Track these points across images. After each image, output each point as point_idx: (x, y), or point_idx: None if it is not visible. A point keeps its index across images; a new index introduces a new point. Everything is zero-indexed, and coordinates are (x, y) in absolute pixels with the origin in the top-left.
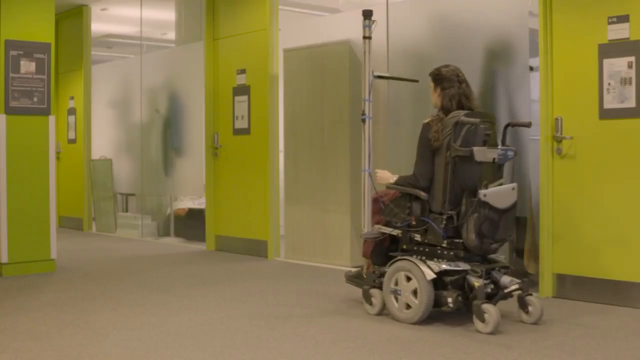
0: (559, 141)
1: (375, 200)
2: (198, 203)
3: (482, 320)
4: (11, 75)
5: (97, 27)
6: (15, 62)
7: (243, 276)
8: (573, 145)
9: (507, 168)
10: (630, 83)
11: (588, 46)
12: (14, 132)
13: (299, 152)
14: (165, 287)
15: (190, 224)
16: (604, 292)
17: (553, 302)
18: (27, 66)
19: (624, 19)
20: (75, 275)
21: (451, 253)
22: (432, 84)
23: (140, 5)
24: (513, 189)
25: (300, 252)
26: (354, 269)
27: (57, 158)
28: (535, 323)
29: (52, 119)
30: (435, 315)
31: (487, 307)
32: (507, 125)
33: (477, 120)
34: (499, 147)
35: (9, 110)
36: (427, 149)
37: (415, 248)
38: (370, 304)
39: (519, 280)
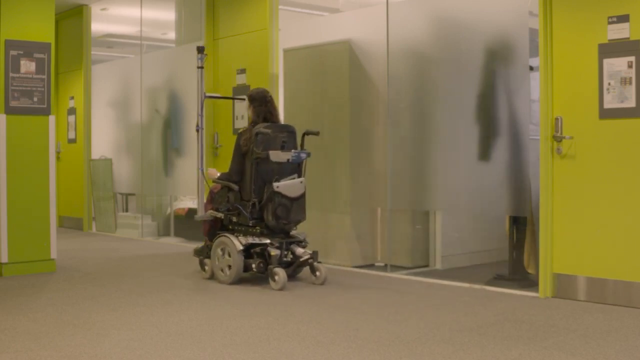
0: (559, 141)
1: (211, 192)
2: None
3: (274, 280)
4: (11, 75)
5: (97, 27)
6: (15, 62)
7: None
8: (573, 145)
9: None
10: (630, 83)
11: (588, 46)
12: (14, 132)
13: None
14: (165, 287)
15: (190, 224)
16: (604, 292)
17: (553, 302)
18: (27, 66)
19: (624, 18)
20: (75, 275)
21: (258, 230)
22: (247, 103)
23: (140, 5)
24: (301, 182)
25: None
26: (200, 245)
27: (57, 158)
28: (322, 284)
29: (52, 118)
30: (249, 278)
31: (277, 270)
32: (303, 134)
33: (269, 131)
34: (293, 150)
35: (9, 110)
36: (239, 152)
37: (235, 227)
38: (204, 270)
39: (310, 252)
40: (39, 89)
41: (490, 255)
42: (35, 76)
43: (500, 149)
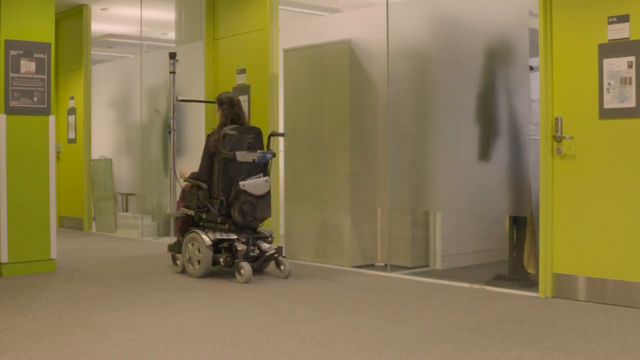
0: (559, 141)
1: (183, 190)
2: None
3: (240, 273)
4: (11, 75)
5: (97, 27)
6: (15, 62)
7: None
8: (573, 145)
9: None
10: (630, 83)
11: (588, 46)
12: (14, 132)
13: (299, 152)
14: (165, 287)
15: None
16: (604, 292)
17: (553, 302)
18: (27, 66)
19: (624, 18)
20: (75, 275)
21: (226, 227)
22: (217, 106)
23: (140, 5)
24: (266, 180)
25: (300, 252)
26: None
27: (57, 158)
28: (286, 277)
29: (52, 118)
30: (217, 272)
31: (243, 264)
32: (269, 136)
33: (235, 132)
34: (259, 151)
35: (9, 110)
36: (208, 153)
37: (205, 224)
38: (176, 264)
39: (275, 247)
40: (39, 89)
41: (490, 255)
42: (35, 76)
43: (500, 149)
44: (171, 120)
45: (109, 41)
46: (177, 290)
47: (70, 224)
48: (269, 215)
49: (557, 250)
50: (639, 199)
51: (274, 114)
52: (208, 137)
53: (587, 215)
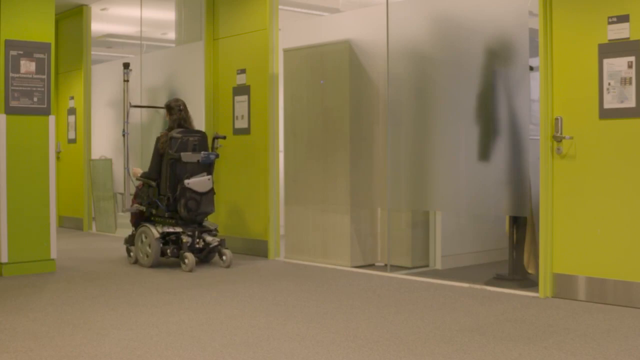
0: (559, 141)
1: (136, 188)
2: None
3: (184, 263)
4: (11, 75)
5: (97, 27)
6: (15, 62)
7: (243, 276)
8: (573, 145)
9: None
10: (630, 83)
11: (588, 46)
12: (14, 132)
13: (299, 152)
14: (165, 287)
15: None
16: (604, 292)
17: (553, 302)
18: (27, 66)
19: (624, 19)
20: (75, 275)
21: (173, 221)
22: (165, 112)
23: (140, 5)
24: (209, 179)
25: (300, 252)
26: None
27: (57, 158)
28: (227, 267)
29: (52, 119)
30: (166, 262)
31: (187, 254)
32: (213, 138)
33: (180, 135)
34: (202, 152)
35: (9, 110)
36: (157, 154)
37: (155, 219)
38: (130, 256)
39: (218, 239)
40: (39, 89)
41: (490, 255)
42: (35, 76)
43: (500, 149)
44: (125, 124)
45: (109, 41)
46: (177, 290)
47: (70, 224)
48: (212, 210)
49: (557, 250)
50: (639, 199)
51: (274, 114)
52: (157, 139)
53: (587, 215)
